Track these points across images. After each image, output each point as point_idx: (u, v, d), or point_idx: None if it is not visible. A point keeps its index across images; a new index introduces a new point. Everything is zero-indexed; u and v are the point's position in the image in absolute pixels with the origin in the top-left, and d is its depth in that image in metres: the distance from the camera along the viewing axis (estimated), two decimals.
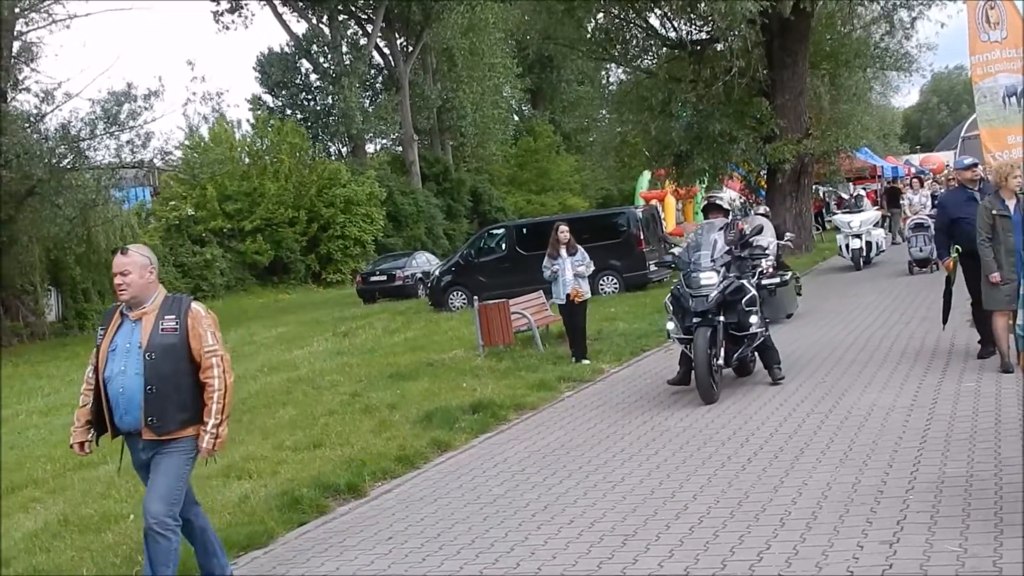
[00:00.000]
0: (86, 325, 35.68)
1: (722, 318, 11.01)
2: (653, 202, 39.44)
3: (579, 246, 15.29)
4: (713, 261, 11.24)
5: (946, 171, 58.25)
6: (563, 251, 14.96)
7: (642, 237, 26.11)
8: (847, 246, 26.11)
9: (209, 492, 9.11)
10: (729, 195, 14.72)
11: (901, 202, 30.02)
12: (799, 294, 17.63)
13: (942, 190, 27.62)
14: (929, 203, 24.93)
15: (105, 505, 9.21)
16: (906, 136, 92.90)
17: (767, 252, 12.12)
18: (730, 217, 12.28)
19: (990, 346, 11.10)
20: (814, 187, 38.31)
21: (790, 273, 12.21)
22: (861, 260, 25.65)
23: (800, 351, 13.63)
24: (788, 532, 6.32)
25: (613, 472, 8.35)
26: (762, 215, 18.50)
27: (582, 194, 66.26)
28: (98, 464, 11.49)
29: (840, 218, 27.65)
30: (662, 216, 33.66)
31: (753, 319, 11.14)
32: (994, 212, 10.35)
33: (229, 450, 10.94)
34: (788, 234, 18.45)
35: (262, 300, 42.98)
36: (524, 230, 27.50)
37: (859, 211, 27.29)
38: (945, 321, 12.17)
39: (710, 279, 11.04)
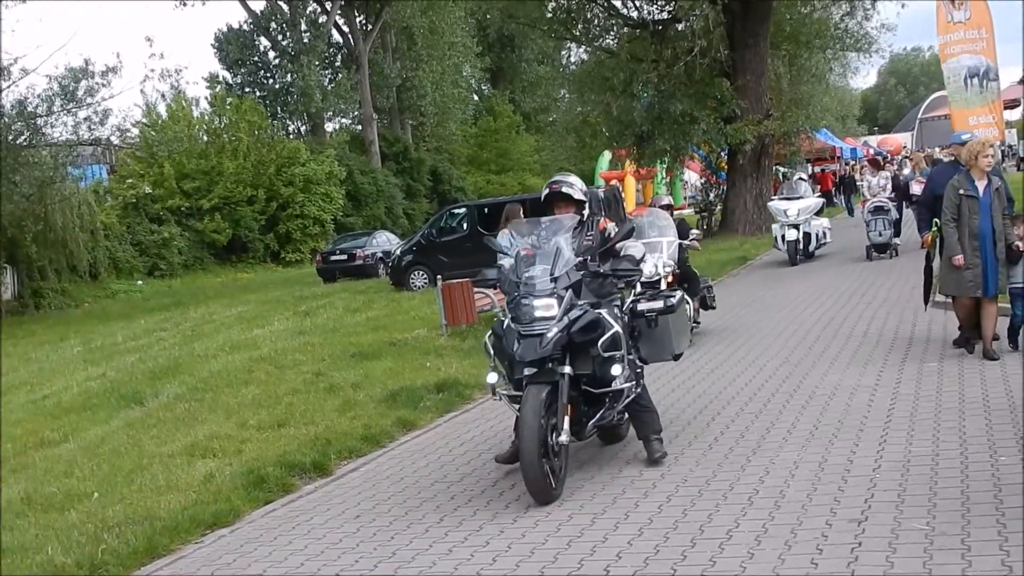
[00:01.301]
0: (42, 304, 35.33)
1: (568, 369, 7.24)
2: (614, 182, 39.43)
3: None
4: (554, 281, 7.35)
5: (903, 152, 58.84)
6: None
7: (604, 217, 26.09)
8: (783, 237, 23.00)
9: (173, 470, 9.06)
10: (581, 185, 9.11)
11: (859, 184, 29.29)
12: (711, 306, 14.79)
13: (907, 171, 27.68)
14: (889, 185, 23.10)
15: (68, 484, 9.12)
16: (864, 117, 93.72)
17: (639, 268, 8.01)
18: (587, 212, 8.14)
19: (967, 331, 10.53)
20: (775, 168, 38.51)
21: (679, 294, 8.86)
22: (798, 254, 22.71)
23: (763, 331, 13.72)
24: (756, 511, 6.34)
25: (580, 452, 8.35)
26: (664, 207, 14.83)
27: (542, 174, 66.20)
28: (59, 442, 11.40)
29: (775, 205, 23.90)
30: (623, 196, 33.63)
31: (616, 369, 7.44)
32: (961, 192, 9.98)
33: (192, 428, 10.92)
34: (694, 232, 14.73)
35: (221, 279, 42.72)
36: (485, 210, 27.43)
37: (796, 197, 23.58)
38: (927, 300, 11.84)
39: (548, 309, 7.23)
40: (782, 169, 45.46)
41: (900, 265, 19.96)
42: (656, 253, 12.62)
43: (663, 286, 11.95)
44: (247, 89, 57.15)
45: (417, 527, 6.92)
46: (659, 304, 8.45)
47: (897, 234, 22.20)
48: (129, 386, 14.68)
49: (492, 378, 7.59)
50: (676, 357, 8.75)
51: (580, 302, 7.41)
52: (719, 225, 33.61)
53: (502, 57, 68.70)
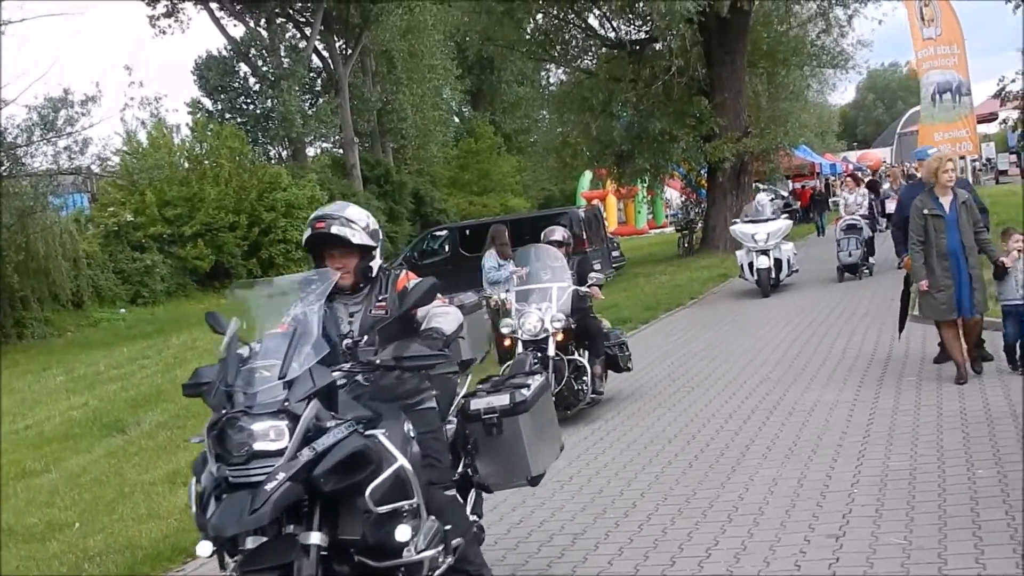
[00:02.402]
0: (25, 333, 35.12)
1: (316, 537, 4.24)
2: (595, 202, 39.61)
3: None
4: (287, 387, 4.26)
5: (883, 167, 59.16)
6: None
7: (585, 237, 26.18)
8: (750, 265, 20.33)
9: (155, 498, 9.06)
10: (365, 220, 5.15)
11: (835, 200, 28.53)
12: (627, 368, 11.49)
13: (885, 187, 27.69)
14: (866, 203, 22.19)
15: (49, 513, 9.11)
16: (843, 133, 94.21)
17: (441, 353, 4.78)
18: (376, 263, 5.25)
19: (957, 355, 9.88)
20: (754, 185, 38.71)
21: (539, 379, 6.07)
22: (771, 284, 20.18)
23: (740, 351, 13.77)
24: (736, 528, 6.38)
25: (561, 472, 8.36)
26: (555, 243, 11.10)
27: (524, 195, 66.40)
28: (41, 472, 11.37)
29: (739, 229, 21.11)
30: (604, 216, 33.77)
31: (402, 531, 4.46)
32: (926, 212, 9.58)
33: (174, 456, 10.90)
34: (595, 275, 11.20)
35: (203, 305, 42.50)
36: (467, 231, 27.47)
37: (764, 220, 20.82)
38: (902, 327, 11.37)
39: (272, 437, 4.13)
40: (762, 186, 45.73)
41: (873, 285, 19.44)
42: (544, 303, 10.24)
43: (551, 347, 9.98)
44: (228, 115, 57.08)
45: None
46: (504, 400, 5.66)
47: (871, 253, 21.38)
48: (111, 415, 14.66)
49: (204, 549, 4.19)
50: (534, 481, 5.88)
51: (344, 418, 4.36)
52: (700, 243, 33.69)
53: (482, 79, 68.89)
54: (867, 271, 20.96)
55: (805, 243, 30.43)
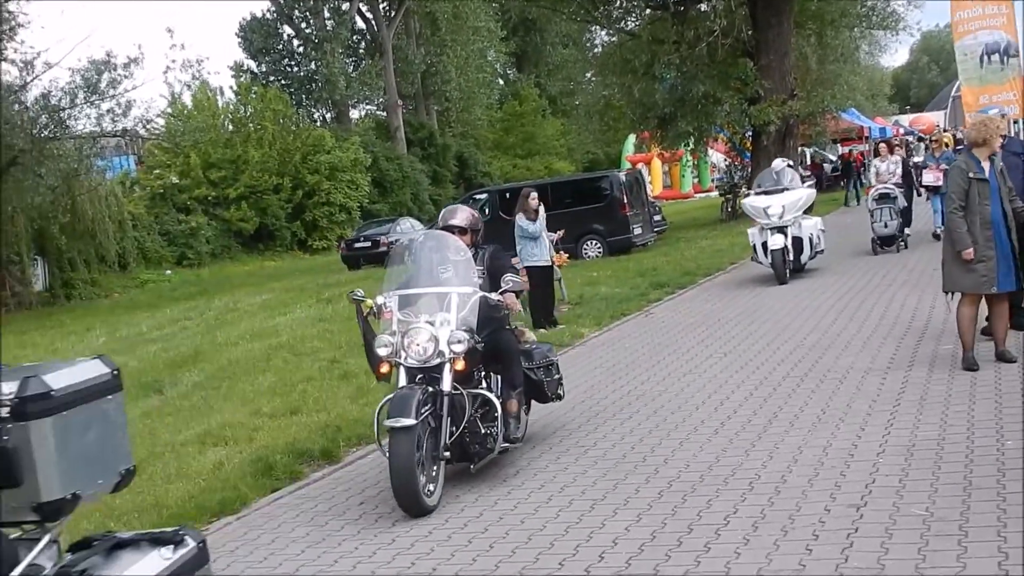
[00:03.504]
0: (72, 294, 35.61)
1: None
2: (639, 165, 39.35)
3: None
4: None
5: (935, 131, 58.25)
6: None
7: (625, 201, 26.05)
8: (763, 245, 17.30)
9: (185, 458, 9.15)
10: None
11: (869, 169, 25.28)
12: (557, 396, 8.66)
13: (918, 158, 26.98)
14: (899, 171, 20.33)
15: None
16: (895, 96, 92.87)
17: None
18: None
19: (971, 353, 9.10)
20: (800, 148, 38.25)
21: None
22: (787, 268, 16.99)
23: (776, 317, 13.64)
24: (756, 496, 6.31)
25: (586, 437, 8.34)
26: (454, 229, 8.00)
27: (568, 158, 66.16)
28: None
29: (751, 203, 18.24)
30: (647, 180, 33.56)
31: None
32: (971, 175, 8.86)
33: (207, 417, 10.99)
34: (510, 277, 7.80)
35: (248, 267, 42.87)
36: (507, 195, 27.40)
37: (780, 190, 17.82)
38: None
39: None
40: (808, 150, 45.18)
41: (912, 258, 18.41)
42: (440, 313, 7.44)
43: (446, 379, 7.19)
44: (272, 78, 57.27)
45: None
46: None
47: (907, 224, 19.92)
48: (149, 375, 14.81)
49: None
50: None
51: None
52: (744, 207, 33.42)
53: (526, 41, 68.56)
54: (903, 243, 19.69)
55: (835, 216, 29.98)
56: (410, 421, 6.64)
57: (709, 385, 9.78)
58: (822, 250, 18.05)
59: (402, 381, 7.19)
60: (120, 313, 28.15)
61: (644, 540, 5.81)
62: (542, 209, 15.03)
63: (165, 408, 12.11)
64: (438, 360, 7.19)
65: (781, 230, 16.95)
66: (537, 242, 14.77)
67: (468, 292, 7.53)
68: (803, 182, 18.72)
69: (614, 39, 35.89)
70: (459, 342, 7.20)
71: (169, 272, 40.88)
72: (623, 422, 8.73)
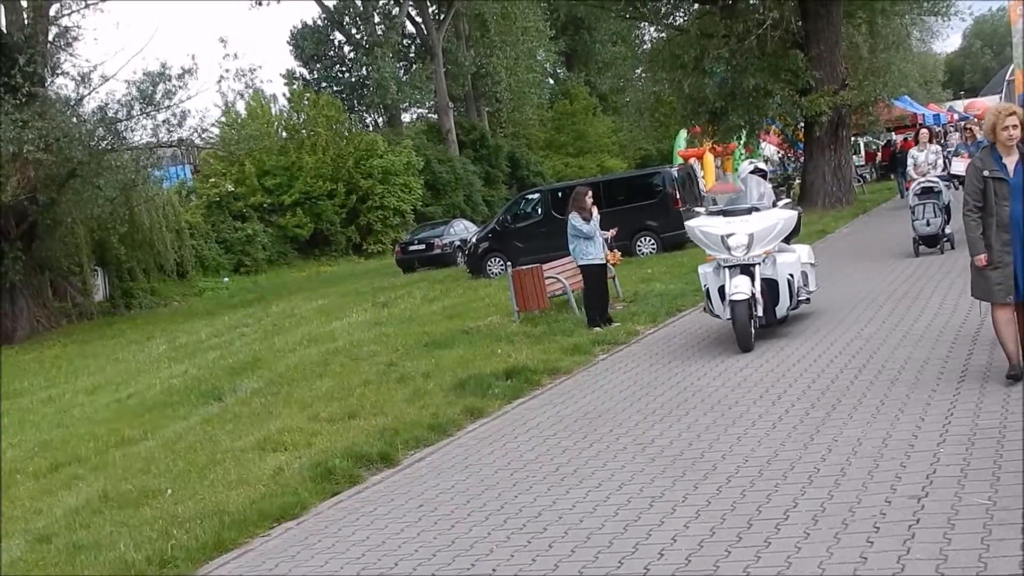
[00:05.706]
0: (132, 304, 36.12)
1: None
2: (691, 160, 39.13)
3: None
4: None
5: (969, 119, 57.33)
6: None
7: (678, 196, 25.92)
8: (720, 292, 11.88)
9: (245, 464, 9.24)
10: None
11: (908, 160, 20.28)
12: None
13: (954, 143, 25.96)
14: (941, 162, 18.70)
15: (144, 480, 9.35)
16: (949, 82, 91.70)
17: None
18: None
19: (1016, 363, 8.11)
20: (853, 138, 37.86)
21: None
22: (752, 327, 11.50)
23: (826, 305, 13.50)
24: (816, 489, 6.27)
25: (643, 434, 8.33)
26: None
27: (620, 155, 65.98)
28: (139, 440, 11.66)
29: (701, 227, 12.27)
30: (699, 174, 33.37)
31: None
32: (985, 174, 7.91)
33: (266, 423, 11.10)
34: None
35: (304, 273, 43.24)
36: (559, 194, 27.38)
37: (745, 211, 12.18)
38: None
39: None
40: (862, 140, 44.69)
41: (961, 258, 17.38)
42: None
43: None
44: (324, 84, 57.69)
45: (477, 515, 6.96)
46: None
47: (948, 220, 17.64)
48: (209, 382, 15.00)
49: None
50: None
51: None
52: (798, 199, 33.14)
53: (575, 39, 68.49)
54: (948, 243, 17.70)
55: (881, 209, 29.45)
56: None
57: (767, 378, 9.73)
58: (807, 298, 12.79)
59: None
60: (179, 321, 28.50)
61: (704, 536, 5.80)
62: (595, 209, 15.02)
63: (225, 415, 12.25)
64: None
65: (746, 270, 11.72)
66: (592, 240, 14.76)
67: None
68: (777, 199, 13.06)
69: (663, 35, 35.75)
70: None
71: (226, 279, 41.35)
72: (680, 419, 8.70)
